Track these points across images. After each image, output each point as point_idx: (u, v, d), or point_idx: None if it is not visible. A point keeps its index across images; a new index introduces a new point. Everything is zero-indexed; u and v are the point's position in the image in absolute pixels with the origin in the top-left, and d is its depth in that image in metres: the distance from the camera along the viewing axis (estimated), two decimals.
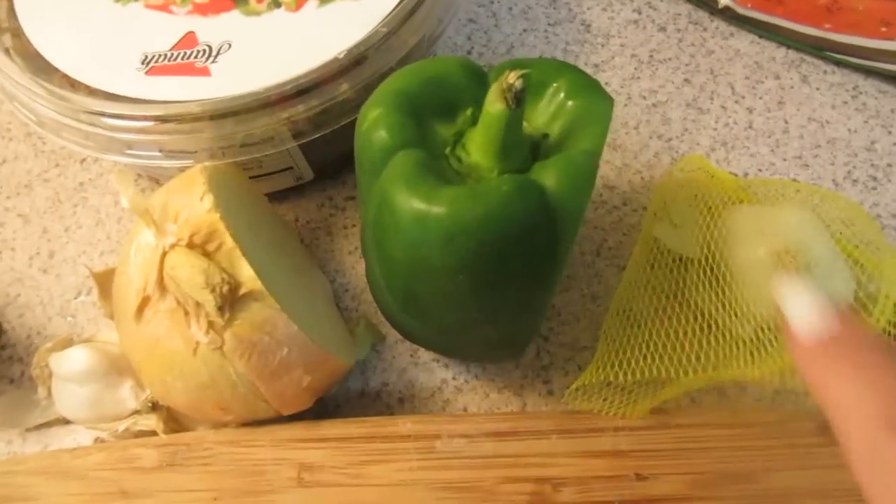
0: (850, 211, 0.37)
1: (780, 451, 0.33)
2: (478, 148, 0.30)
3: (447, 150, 0.31)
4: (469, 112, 0.32)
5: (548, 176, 0.28)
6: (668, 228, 0.39)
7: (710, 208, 0.37)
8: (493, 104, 0.28)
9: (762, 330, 0.33)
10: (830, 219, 0.37)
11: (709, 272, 0.36)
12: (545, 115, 0.33)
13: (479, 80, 0.32)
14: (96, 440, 0.38)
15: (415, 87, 0.32)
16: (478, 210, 0.27)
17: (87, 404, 0.37)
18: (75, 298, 0.45)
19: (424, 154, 0.30)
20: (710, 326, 0.35)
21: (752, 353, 0.33)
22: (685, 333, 0.34)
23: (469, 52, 0.52)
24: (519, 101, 0.28)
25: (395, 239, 0.29)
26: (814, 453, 0.33)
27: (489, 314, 0.31)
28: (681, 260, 0.38)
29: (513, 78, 0.28)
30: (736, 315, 0.35)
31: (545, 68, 0.33)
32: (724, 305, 0.35)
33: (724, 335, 0.34)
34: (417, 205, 0.27)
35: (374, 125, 0.30)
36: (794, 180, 0.46)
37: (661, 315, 0.36)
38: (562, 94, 0.32)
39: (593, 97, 0.32)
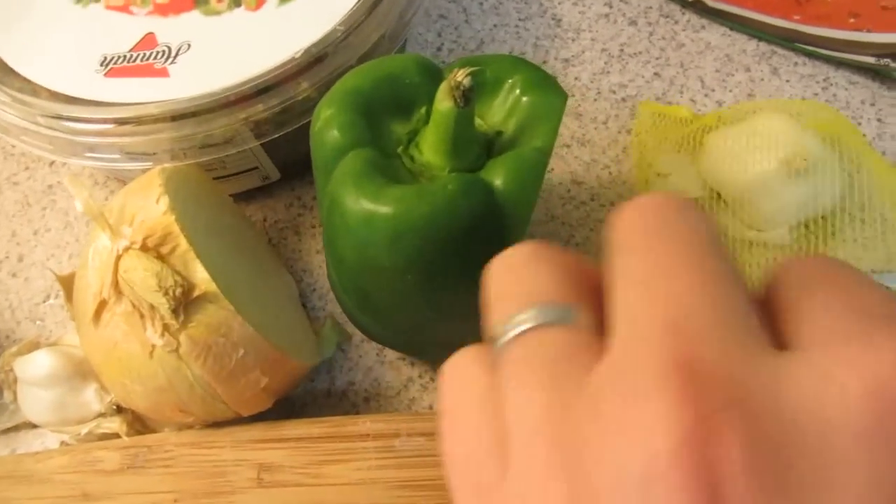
0: (827, 112, 0.40)
1: None
2: (430, 146, 0.30)
3: (400, 149, 0.31)
4: (423, 110, 0.31)
5: (496, 174, 0.28)
6: (657, 181, 0.40)
7: (690, 144, 0.39)
8: (442, 102, 0.28)
9: (799, 227, 0.38)
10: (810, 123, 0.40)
11: (717, 201, 0.38)
12: (501, 111, 0.32)
13: (434, 77, 0.32)
14: (62, 443, 0.38)
15: (368, 86, 0.31)
16: (423, 209, 0.27)
17: (52, 408, 0.37)
18: (44, 302, 0.45)
19: (376, 153, 0.29)
20: (748, 243, 0.38)
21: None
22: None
23: (439, 48, 0.52)
24: (468, 99, 0.28)
25: (344, 239, 0.29)
26: None
27: (442, 313, 0.31)
28: None
29: (461, 76, 0.28)
30: (761, 229, 0.38)
31: (501, 65, 0.33)
32: (748, 224, 0.38)
33: (764, 245, 0.37)
34: (364, 204, 0.27)
35: (327, 125, 0.30)
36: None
37: None
38: (517, 91, 0.32)
39: (546, 93, 0.32)
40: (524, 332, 0.18)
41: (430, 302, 0.30)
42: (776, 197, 0.38)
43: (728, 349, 0.15)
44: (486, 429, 0.18)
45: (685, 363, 0.15)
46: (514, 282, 0.19)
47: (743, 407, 0.14)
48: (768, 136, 0.38)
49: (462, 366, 0.20)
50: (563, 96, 0.32)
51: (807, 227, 0.38)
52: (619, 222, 0.19)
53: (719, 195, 0.39)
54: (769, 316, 0.17)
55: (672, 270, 0.17)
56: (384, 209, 0.27)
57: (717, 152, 0.39)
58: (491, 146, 0.31)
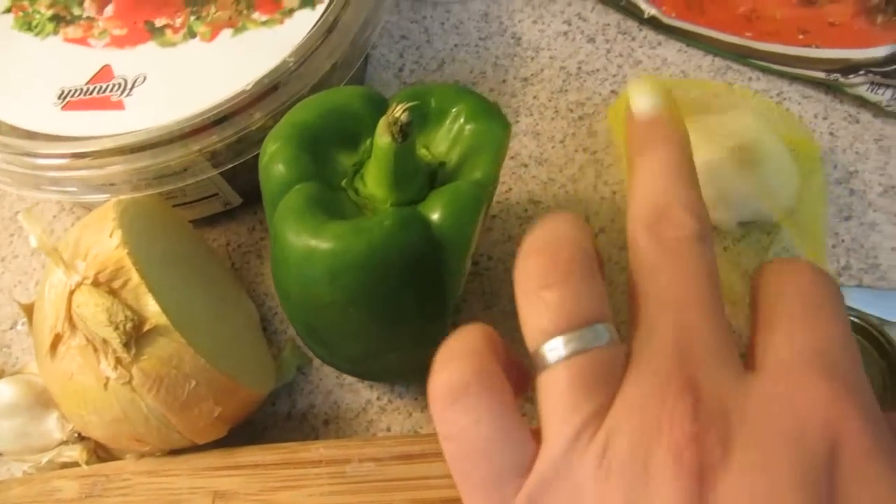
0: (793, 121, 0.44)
1: None
2: (373, 179, 0.31)
3: (345, 182, 0.32)
4: (369, 142, 0.32)
5: (434, 208, 0.29)
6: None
7: None
8: (381, 137, 0.29)
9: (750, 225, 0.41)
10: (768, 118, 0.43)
11: None
12: (446, 141, 0.33)
13: (379, 109, 0.33)
14: (24, 472, 0.38)
15: (313, 119, 0.32)
16: (360, 245, 0.27)
17: (14, 437, 0.38)
18: (10, 329, 0.45)
19: (320, 187, 0.30)
20: None
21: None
22: None
23: (401, 69, 0.53)
24: (406, 134, 0.29)
25: (287, 274, 0.30)
26: None
27: (388, 343, 0.32)
28: None
29: (398, 112, 0.28)
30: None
31: (446, 94, 0.34)
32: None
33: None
34: (304, 240, 0.28)
35: (272, 159, 0.31)
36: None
37: None
38: (461, 120, 0.33)
39: (489, 122, 0.32)
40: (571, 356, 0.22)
41: (374, 334, 0.31)
42: (721, 183, 0.40)
43: (719, 373, 0.21)
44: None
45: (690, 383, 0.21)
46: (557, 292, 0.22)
47: (725, 419, 0.20)
48: (730, 128, 0.41)
49: (461, 389, 0.22)
50: (505, 126, 0.33)
51: (755, 223, 0.42)
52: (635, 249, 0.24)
53: None
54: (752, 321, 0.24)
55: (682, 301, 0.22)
56: (323, 245, 0.28)
57: None
58: (435, 176, 0.32)
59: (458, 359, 0.23)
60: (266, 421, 0.41)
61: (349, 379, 0.41)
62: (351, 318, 0.29)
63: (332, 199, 0.30)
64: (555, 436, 0.21)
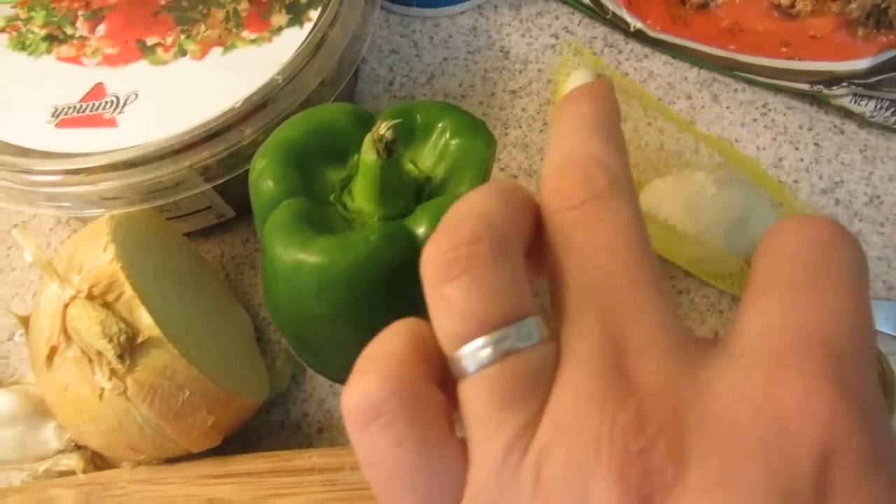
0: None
1: None
2: (360, 194, 0.32)
3: (333, 197, 0.32)
4: (356, 158, 0.33)
5: (419, 222, 0.30)
6: None
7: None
8: (367, 154, 0.30)
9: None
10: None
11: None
12: (432, 156, 0.34)
13: (365, 125, 0.34)
14: (22, 481, 0.39)
15: (300, 136, 0.33)
16: (347, 259, 0.28)
17: (11, 446, 0.38)
18: (8, 339, 0.46)
19: (308, 203, 0.31)
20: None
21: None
22: None
23: (391, 83, 0.54)
24: (390, 151, 0.30)
25: (276, 286, 0.30)
26: None
27: None
28: None
29: (383, 129, 0.29)
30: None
31: (431, 110, 0.34)
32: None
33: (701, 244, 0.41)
34: (293, 254, 0.29)
35: (261, 175, 0.32)
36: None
37: None
38: (446, 135, 0.34)
39: (474, 138, 0.33)
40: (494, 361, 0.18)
41: (363, 345, 0.32)
42: (704, 209, 0.41)
43: (665, 364, 0.18)
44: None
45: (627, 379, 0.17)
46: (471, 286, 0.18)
47: (677, 424, 0.16)
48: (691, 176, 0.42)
49: (376, 406, 0.18)
50: (490, 141, 0.33)
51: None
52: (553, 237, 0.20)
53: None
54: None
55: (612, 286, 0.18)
56: (311, 259, 0.28)
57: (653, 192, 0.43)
58: (422, 190, 0.33)
59: (374, 369, 0.19)
60: (260, 430, 0.41)
61: (342, 387, 0.42)
62: (339, 330, 0.30)
63: (320, 214, 0.31)
64: (481, 458, 0.18)
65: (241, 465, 0.36)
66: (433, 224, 0.30)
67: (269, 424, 0.42)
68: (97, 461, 0.39)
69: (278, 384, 0.41)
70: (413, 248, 0.29)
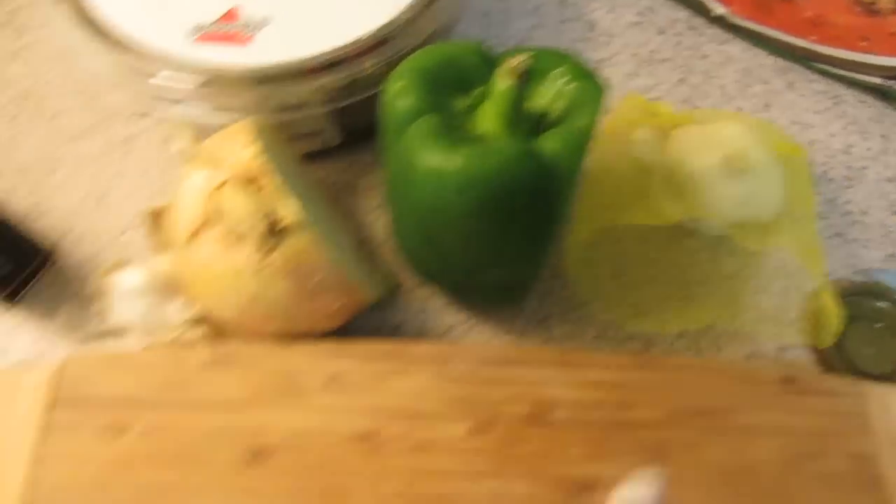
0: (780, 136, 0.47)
1: (744, 394, 0.37)
2: (488, 119, 0.35)
3: (460, 120, 0.36)
4: (481, 89, 0.36)
5: (549, 144, 0.33)
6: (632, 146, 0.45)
7: (660, 133, 0.45)
8: (503, 80, 0.33)
9: (736, 226, 0.42)
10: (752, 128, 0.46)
11: (669, 184, 0.43)
12: (545, 97, 0.37)
13: (489, 63, 0.37)
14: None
15: (433, 65, 0.36)
16: (486, 167, 0.32)
17: (141, 315, 0.41)
18: (122, 235, 0.49)
19: (442, 120, 0.34)
20: (681, 233, 0.44)
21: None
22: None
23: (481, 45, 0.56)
24: (523, 79, 0.33)
25: (413, 190, 0.34)
26: (775, 398, 0.37)
27: (496, 257, 0.37)
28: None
29: (518, 60, 0.33)
30: (698, 217, 0.44)
31: (547, 57, 0.37)
32: (689, 211, 0.43)
33: (696, 237, 0.44)
34: (437, 161, 0.32)
35: (398, 94, 0.35)
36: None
37: None
38: (563, 79, 0.37)
39: (589, 82, 0.36)
40: None
41: (488, 246, 0.35)
42: (714, 189, 0.43)
43: None
44: None
45: None
46: None
47: None
48: (721, 138, 0.44)
49: None
50: (603, 86, 0.37)
51: (743, 227, 0.43)
52: None
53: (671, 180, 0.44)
54: None
55: None
56: (454, 164, 0.32)
57: (677, 143, 0.45)
58: (537, 125, 0.36)
59: None
60: (357, 334, 0.44)
61: (434, 305, 0.45)
62: (471, 228, 0.34)
63: (452, 131, 0.34)
64: None
65: (357, 348, 0.39)
66: (561, 146, 0.33)
67: (366, 332, 0.45)
68: (216, 337, 0.42)
69: (379, 294, 0.44)
70: (540, 167, 0.32)
